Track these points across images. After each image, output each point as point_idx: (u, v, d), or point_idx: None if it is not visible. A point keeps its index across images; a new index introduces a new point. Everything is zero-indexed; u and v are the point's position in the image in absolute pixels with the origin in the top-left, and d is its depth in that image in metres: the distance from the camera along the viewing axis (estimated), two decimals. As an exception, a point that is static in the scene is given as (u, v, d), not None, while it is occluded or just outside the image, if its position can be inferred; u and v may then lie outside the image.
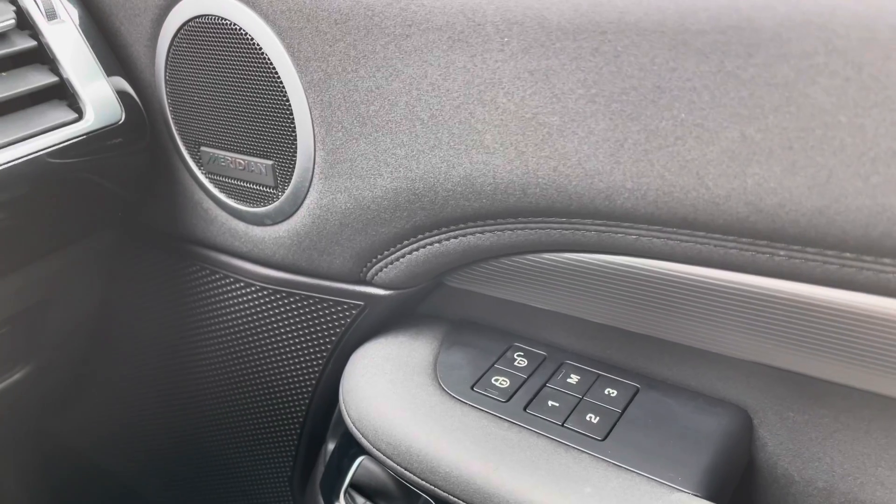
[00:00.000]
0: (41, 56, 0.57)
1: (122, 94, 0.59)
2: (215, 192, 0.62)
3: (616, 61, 0.40)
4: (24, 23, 0.56)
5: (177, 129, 0.61)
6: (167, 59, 0.58)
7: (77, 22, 0.59)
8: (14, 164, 0.52)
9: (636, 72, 0.40)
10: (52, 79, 0.56)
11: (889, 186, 0.35)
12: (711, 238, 0.42)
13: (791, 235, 0.39)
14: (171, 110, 0.60)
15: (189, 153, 0.61)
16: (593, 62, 0.41)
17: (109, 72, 0.59)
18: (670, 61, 0.38)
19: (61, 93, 0.57)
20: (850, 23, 0.34)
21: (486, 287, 0.58)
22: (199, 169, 0.62)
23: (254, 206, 0.60)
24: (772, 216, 0.39)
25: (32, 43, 0.56)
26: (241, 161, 0.58)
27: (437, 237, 0.53)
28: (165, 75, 0.59)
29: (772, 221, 0.39)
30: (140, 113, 0.60)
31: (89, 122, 0.56)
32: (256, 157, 0.57)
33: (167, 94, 0.60)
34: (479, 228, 0.50)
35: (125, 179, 0.62)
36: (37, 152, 0.53)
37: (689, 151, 0.40)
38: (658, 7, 0.38)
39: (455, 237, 0.52)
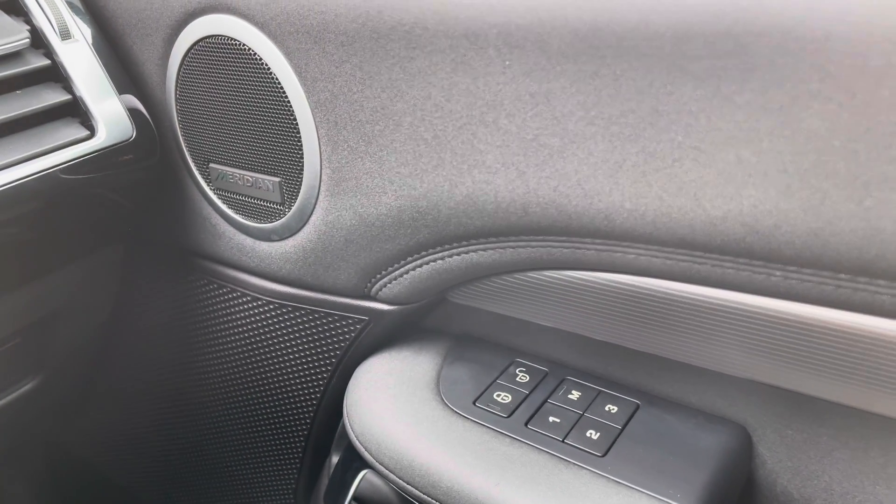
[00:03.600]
0: (55, 74, 0.58)
1: (133, 112, 0.60)
2: (223, 207, 0.63)
3: (615, 84, 0.41)
4: (39, 42, 0.58)
5: (186, 146, 0.62)
6: (178, 78, 0.59)
7: (90, 41, 0.60)
8: (28, 180, 0.53)
9: (634, 95, 0.40)
10: (66, 97, 0.57)
11: (882, 209, 0.36)
12: (709, 258, 0.42)
13: (787, 256, 0.39)
14: (181, 127, 0.61)
15: (198, 169, 0.63)
16: (593, 85, 0.42)
17: (121, 90, 0.60)
18: (668, 85, 0.39)
19: (74, 110, 0.58)
20: (843, 51, 0.34)
21: (489, 303, 0.59)
22: (208, 185, 0.63)
23: (261, 222, 0.61)
24: (768, 237, 0.39)
25: (46, 62, 0.57)
26: (249, 178, 0.59)
27: (440, 254, 0.53)
28: (176, 93, 0.60)
29: (768, 242, 0.39)
30: (151, 130, 0.61)
31: (101, 140, 0.57)
32: (264, 174, 0.58)
33: (177, 112, 0.61)
34: (481, 246, 0.51)
35: (135, 195, 0.63)
36: (50, 168, 0.54)
37: (687, 173, 0.40)
38: (656, 33, 0.39)
39: (458, 254, 0.53)
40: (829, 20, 0.35)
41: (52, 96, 0.56)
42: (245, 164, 0.59)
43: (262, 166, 0.58)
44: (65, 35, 0.59)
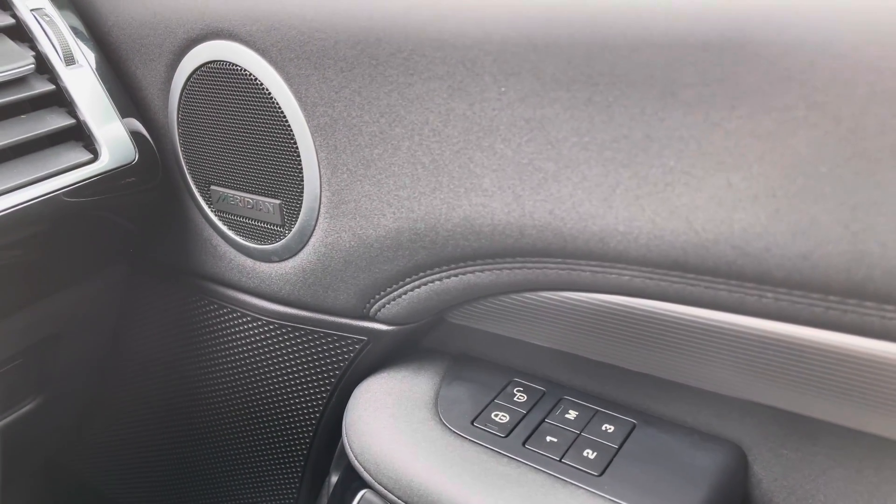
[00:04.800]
0: (59, 99, 0.59)
1: (135, 136, 0.61)
2: (224, 229, 0.63)
3: (608, 111, 0.42)
4: (44, 67, 0.59)
5: (188, 169, 0.63)
6: (180, 102, 0.60)
7: (94, 66, 0.61)
8: (32, 204, 0.54)
9: (627, 121, 0.41)
10: (70, 121, 0.58)
11: (868, 234, 0.36)
12: (702, 280, 0.43)
13: (777, 278, 0.40)
14: (182, 151, 0.62)
15: (199, 192, 0.63)
16: (586, 112, 0.43)
17: (124, 113, 0.61)
18: (659, 112, 0.40)
19: (78, 134, 0.59)
20: (829, 79, 0.35)
21: (486, 323, 0.59)
22: (209, 207, 0.64)
23: (261, 244, 0.61)
24: (758, 260, 0.40)
25: (51, 87, 0.58)
26: (250, 200, 0.60)
27: (437, 275, 0.54)
28: (178, 117, 0.61)
29: (758, 265, 0.40)
30: (153, 153, 0.62)
31: (104, 163, 0.58)
32: (264, 196, 0.59)
33: (179, 135, 0.62)
34: (478, 267, 0.52)
35: (138, 217, 0.64)
36: (53, 192, 0.55)
37: (679, 197, 0.41)
38: (647, 61, 0.40)
39: (455, 275, 0.53)
40: (814, 51, 0.36)
41: (57, 121, 0.57)
42: (246, 186, 0.60)
43: (262, 189, 0.59)
44: (69, 60, 0.60)
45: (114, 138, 0.59)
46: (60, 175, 0.56)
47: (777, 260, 0.39)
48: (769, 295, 0.41)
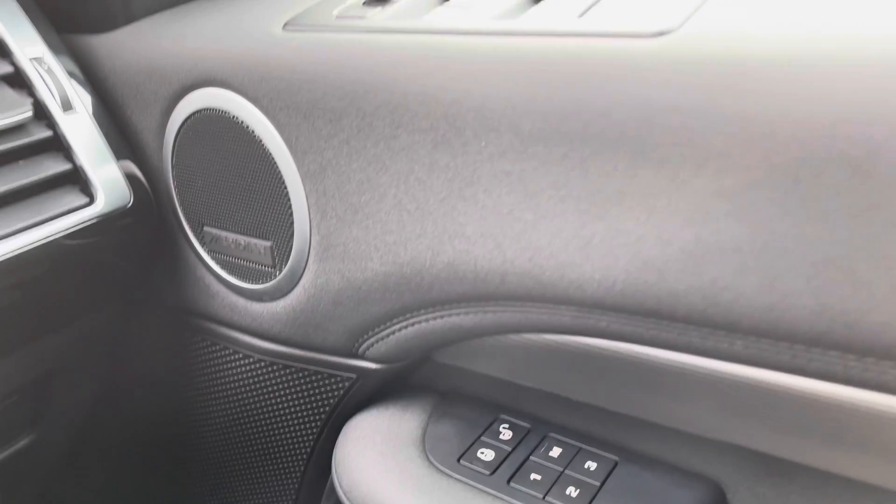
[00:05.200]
0: (56, 144, 0.60)
1: (131, 178, 0.62)
2: (217, 269, 0.65)
3: (582, 166, 0.44)
4: (41, 113, 0.60)
5: (182, 211, 0.65)
6: (174, 147, 0.62)
7: (90, 111, 0.63)
8: (30, 248, 0.55)
9: (601, 177, 0.43)
10: (67, 166, 0.59)
11: (829, 288, 0.38)
12: (675, 327, 0.45)
13: (746, 328, 0.42)
14: (176, 193, 0.64)
15: (193, 232, 0.65)
16: (562, 167, 0.44)
17: (120, 156, 0.62)
18: (631, 169, 0.42)
19: (74, 178, 0.60)
20: (788, 142, 0.37)
21: (472, 362, 0.61)
22: (202, 247, 0.65)
23: (253, 283, 0.63)
24: (727, 310, 0.42)
25: (48, 133, 0.59)
26: (242, 241, 0.62)
27: (423, 316, 0.56)
28: (172, 161, 0.63)
29: (727, 315, 0.42)
30: (148, 196, 0.64)
31: (100, 206, 0.59)
32: (256, 237, 0.61)
33: (174, 178, 0.63)
34: (462, 310, 0.54)
35: (133, 257, 0.66)
36: (51, 236, 0.56)
37: (650, 250, 0.43)
38: (619, 121, 0.42)
39: (440, 317, 0.55)
40: (774, 118, 0.38)
41: (54, 166, 0.59)
42: (238, 228, 0.61)
43: (254, 231, 0.61)
44: (66, 106, 0.61)
45: (109, 181, 0.61)
46: (58, 219, 0.57)
47: (744, 310, 0.41)
48: (739, 342, 0.43)
